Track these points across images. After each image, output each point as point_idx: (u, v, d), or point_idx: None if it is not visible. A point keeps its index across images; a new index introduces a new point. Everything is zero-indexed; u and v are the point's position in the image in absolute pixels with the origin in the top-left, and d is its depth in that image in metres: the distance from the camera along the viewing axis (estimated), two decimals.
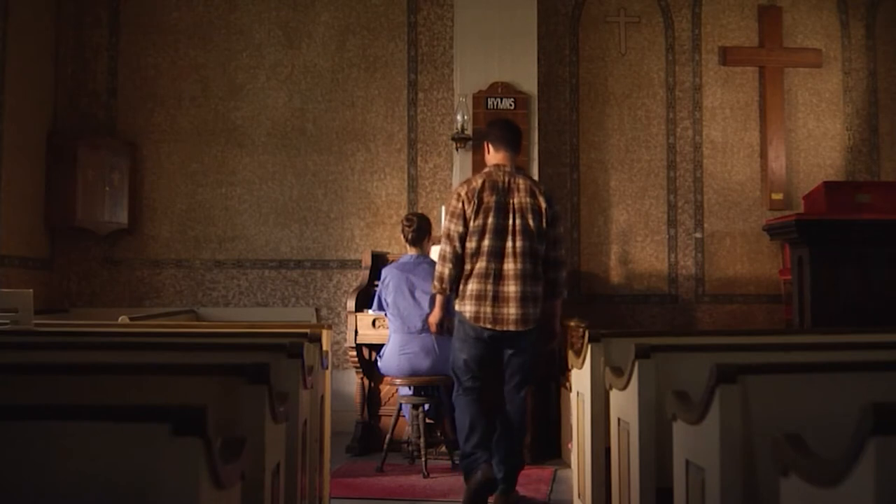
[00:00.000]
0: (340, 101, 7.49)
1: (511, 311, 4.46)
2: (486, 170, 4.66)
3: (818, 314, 5.00)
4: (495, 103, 6.62)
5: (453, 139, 6.87)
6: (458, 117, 6.73)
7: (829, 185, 5.67)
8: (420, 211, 7.08)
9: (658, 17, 7.70)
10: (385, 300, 5.65)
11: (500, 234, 4.49)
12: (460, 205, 4.52)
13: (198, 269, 7.42)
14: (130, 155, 7.35)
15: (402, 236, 5.77)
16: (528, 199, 4.53)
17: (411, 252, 5.67)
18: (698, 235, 7.57)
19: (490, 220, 4.48)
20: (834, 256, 5.04)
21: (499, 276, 4.47)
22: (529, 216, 4.51)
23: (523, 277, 4.47)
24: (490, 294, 4.47)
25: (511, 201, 4.52)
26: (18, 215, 6.60)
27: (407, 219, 5.74)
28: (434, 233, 6.00)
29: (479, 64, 6.77)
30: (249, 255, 7.42)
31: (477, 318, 4.48)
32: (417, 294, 5.52)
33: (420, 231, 5.62)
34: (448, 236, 4.54)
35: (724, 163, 7.64)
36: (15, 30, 6.51)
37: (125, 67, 7.49)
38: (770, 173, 7.54)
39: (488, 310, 4.47)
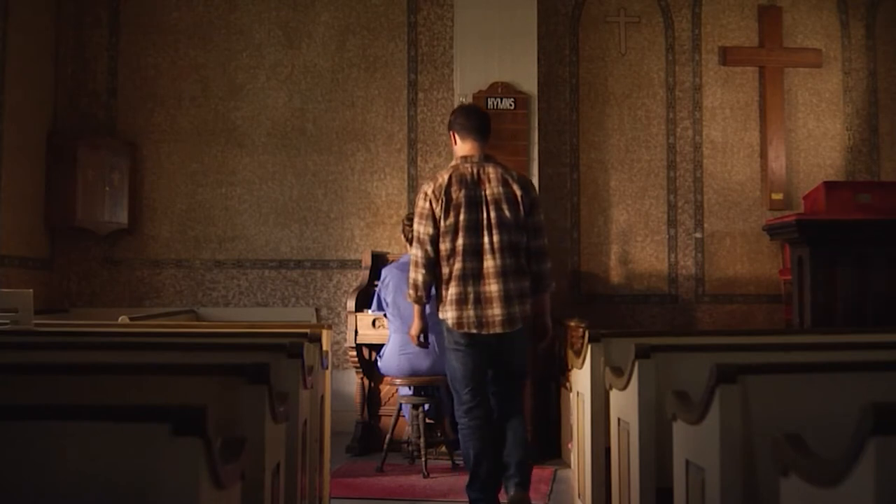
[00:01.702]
0: (340, 101, 7.49)
1: (496, 312, 4.15)
2: (453, 163, 4.35)
3: (818, 314, 4.99)
4: (495, 103, 6.61)
5: None
6: None
7: (829, 185, 5.67)
8: None
9: (658, 17, 7.70)
10: (385, 300, 5.65)
11: (475, 230, 4.17)
12: (427, 204, 4.21)
13: (198, 269, 7.42)
14: (130, 155, 7.35)
15: (402, 236, 5.77)
16: (500, 189, 4.21)
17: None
18: (698, 235, 7.57)
19: (462, 216, 4.16)
20: (834, 256, 5.04)
21: (479, 276, 4.16)
22: (505, 207, 4.18)
23: (505, 274, 4.16)
24: (471, 296, 4.15)
25: (483, 193, 4.19)
26: (18, 215, 6.60)
27: (407, 218, 5.73)
28: None
29: (479, 64, 6.76)
30: (249, 255, 7.42)
31: (460, 323, 4.17)
32: None
33: None
34: (418, 240, 4.23)
35: (724, 163, 7.64)
36: (15, 30, 6.50)
37: (125, 67, 7.49)
38: (770, 173, 7.54)
39: (471, 313, 4.15)
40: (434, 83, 7.47)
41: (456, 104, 6.86)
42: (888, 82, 7.74)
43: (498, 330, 4.18)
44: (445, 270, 4.21)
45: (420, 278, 4.24)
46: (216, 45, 7.52)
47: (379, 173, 7.45)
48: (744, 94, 7.68)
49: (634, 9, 7.69)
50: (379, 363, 5.72)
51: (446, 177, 4.25)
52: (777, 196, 7.51)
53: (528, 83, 6.78)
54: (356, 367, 6.11)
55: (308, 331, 3.72)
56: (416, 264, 4.24)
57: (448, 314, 4.21)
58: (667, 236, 7.56)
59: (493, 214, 4.18)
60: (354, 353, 6.05)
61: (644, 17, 7.69)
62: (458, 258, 4.17)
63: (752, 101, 7.68)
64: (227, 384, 2.32)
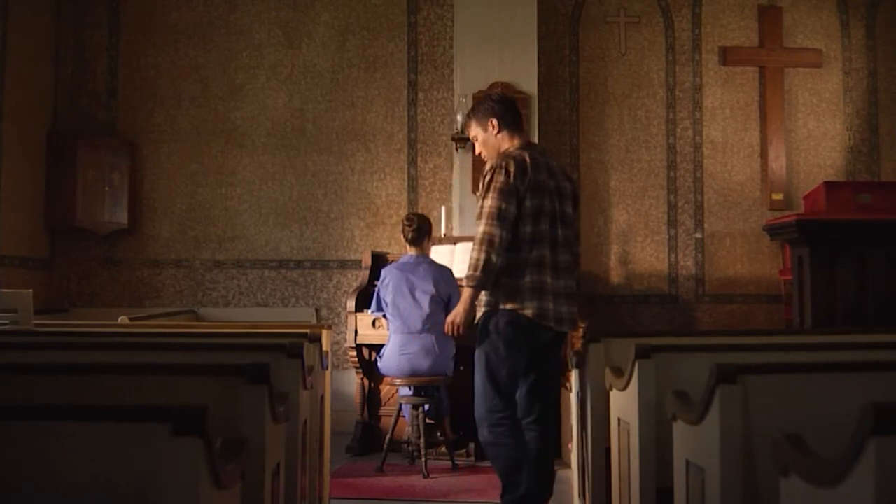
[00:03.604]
0: (340, 101, 7.49)
1: (562, 308, 3.82)
2: (519, 148, 3.91)
3: (818, 314, 4.99)
4: None
5: (453, 139, 6.87)
6: (458, 117, 6.73)
7: (829, 185, 5.67)
8: (420, 211, 7.08)
9: (658, 17, 7.70)
10: (384, 300, 5.64)
11: (553, 219, 3.82)
12: (513, 181, 3.72)
13: (198, 270, 7.42)
14: (130, 155, 7.36)
15: (402, 236, 5.77)
16: (565, 183, 3.93)
17: (411, 252, 5.66)
18: (698, 235, 7.57)
19: (545, 201, 3.79)
20: (834, 256, 5.03)
21: (554, 268, 3.80)
22: (568, 202, 3.92)
23: (569, 270, 3.88)
24: (550, 288, 3.76)
25: (553, 183, 3.86)
26: (18, 215, 6.60)
27: (407, 218, 5.73)
28: (434, 233, 6.00)
29: (479, 64, 6.76)
30: (249, 255, 7.42)
31: (541, 315, 3.74)
32: (418, 294, 5.52)
33: (420, 231, 5.61)
34: (499, 217, 3.69)
35: (724, 163, 7.64)
36: (15, 30, 6.51)
37: (125, 67, 7.49)
38: (770, 173, 7.54)
39: (551, 307, 3.76)
40: (434, 83, 7.47)
41: (456, 104, 6.88)
42: (888, 82, 7.74)
43: (565, 329, 3.88)
44: (521, 256, 3.76)
45: (494, 260, 3.68)
46: (216, 45, 7.52)
47: (379, 173, 7.45)
48: (744, 95, 7.68)
49: (634, 9, 7.69)
50: (379, 363, 5.72)
51: (527, 157, 3.84)
52: (777, 196, 7.52)
53: (528, 83, 6.79)
54: (356, 368, 6.11)
55: (308, 331, 3.71)
56: (493, 244, 3.68)
57: (526, 304, 3.74)
58: (667, 236, 7.55)
59: (559, 207, 3.87)
60: (354, 353, 6.05)
61: (644, 17, 7.69)
62: (539, 245, 3.76)
63: (753, 102, 7.68)
64: (227, 384, 2.32)
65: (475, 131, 4.05)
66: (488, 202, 3.74)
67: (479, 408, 3.84)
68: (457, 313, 3.84)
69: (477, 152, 4.12)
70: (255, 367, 2.34)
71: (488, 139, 3.99)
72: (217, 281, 7.42)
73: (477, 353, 3.88)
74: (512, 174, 3.74)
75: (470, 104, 6.69)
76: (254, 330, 4.42)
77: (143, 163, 7.45)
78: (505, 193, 3.72)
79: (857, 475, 1.52)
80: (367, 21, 7.54)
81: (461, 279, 4.29)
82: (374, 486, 5.23)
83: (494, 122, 3.97)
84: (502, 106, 4.01)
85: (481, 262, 3.69)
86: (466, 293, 3.79)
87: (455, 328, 3.86)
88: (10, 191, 6.46)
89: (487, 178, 3.79)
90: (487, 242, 3.69)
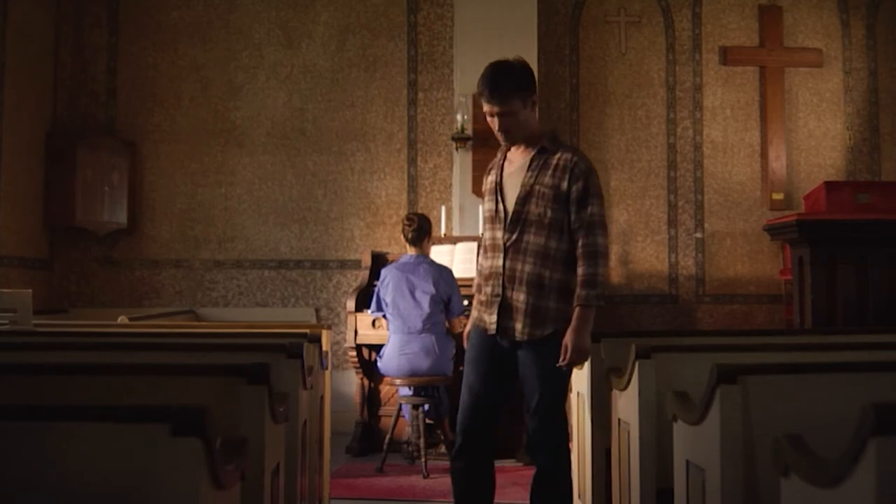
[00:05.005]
0: (340, 101, 7.49)
1: None
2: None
3: (818, 314, 4.99)
4: None
5: (453, 139, 6.87)
6: (458, 117, 6.73)
7: (829, 185, 5.66)
8: (420, 211, 7.07)
9: (658, 17, 7.70)
10: (384, 300, 5.64)
11: None
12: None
13: (197, 270, 7.42)
14: (130, 155, 7.35)
15: (402, 236, 5.77)
16: None
17: (411, 252, 5.66)
18: (699, 235, 7.57)
19: None
20: (834, 256, 5.03)
21: None
22: None
23: None
24: None
25: None
26: (18, 215, 6.59)
27: (407, 218, 5.73)
28: (434, 233, 5.99)
29: (479, 64, 6.65)
30: (249, 255, 7.42)
31: None
32: (417, 294, 5.52)
33: (420, 231, 5.61)
34: (605, 226, 3.39)
35: (724, 163, 7.64)
36: (15, 30, 6.50)
37: (125, 67, 7.48)
38: (770, 173, 7.54)
39: None
40: (434, 83, 7.46)
41: (456, 104, 6.87)
42: (889, 82, 7.74)
43: None
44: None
45: (606, 275, 3.37)
46: (216, 45, 7.51)
47: (379, 173, 7.44)
48: (744, 94, 7.68)
49: (635, 8, 7.69)
50: (379, 363, 5.72)
51: None
52: (777, 196, 7.52)
53: None
54: (356, 368, 6.11)
55: (308, 331, 3.71)
56: (607, 256, 3.38)
57: None
58: (667, 236, 7.55)
59: None
60: (354, 353, 6.04)
61: (644, 16, 7.69)
62: None
63: (753, 101, 7.68)
64: (227, 384, 2.32)
65: (515, 105, 3.27)
66: (597, 209, 3.33)
67: (564, 440, 3.41)
68: (583, 340, 3.26)
69: (498, 129, 3.33)
70: (255, 368, 2.34)
71: (521, 117, 3.31)
72: (216, 281, 7.42)
73: (550, 372, 3.31)
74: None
75: (470, 104, 6.69)
76: (253, 330, 4.42)
77: (143, 163, 7.44)
78: (602, 199, 3.41)
79: (858, 475, 1.52)
80: (367, 21, 7.53)
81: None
82: (374, 486, 5.22)
83: (535, 97, 3.37)
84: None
85: (600, 277, 3.32)
86: (587, 314, 3.30)
87: (582, 356, 3.31)
88: (10, 191, 6.45)
89: (587, 180, 3.34)
90: (605, 256, 3.34)
